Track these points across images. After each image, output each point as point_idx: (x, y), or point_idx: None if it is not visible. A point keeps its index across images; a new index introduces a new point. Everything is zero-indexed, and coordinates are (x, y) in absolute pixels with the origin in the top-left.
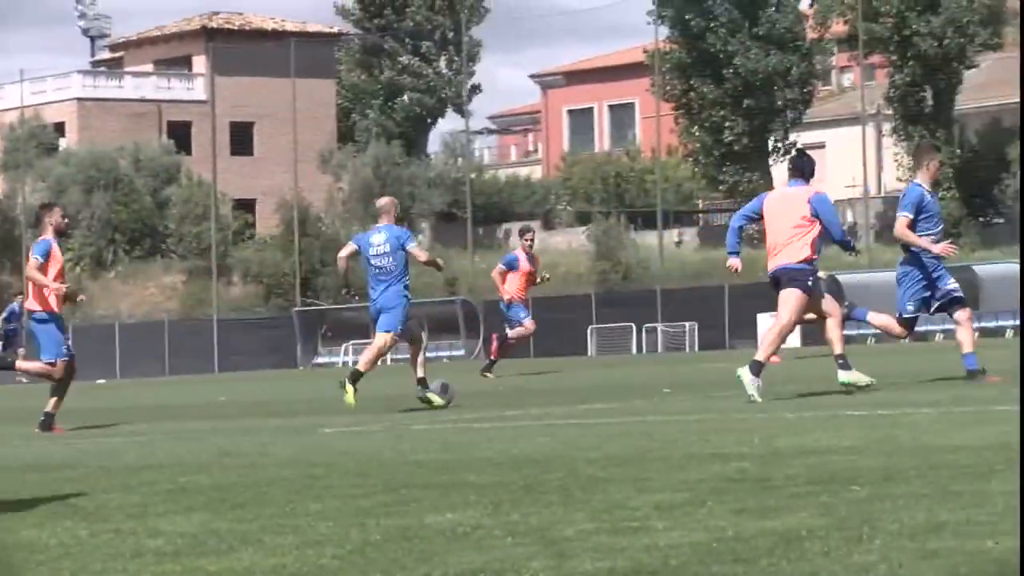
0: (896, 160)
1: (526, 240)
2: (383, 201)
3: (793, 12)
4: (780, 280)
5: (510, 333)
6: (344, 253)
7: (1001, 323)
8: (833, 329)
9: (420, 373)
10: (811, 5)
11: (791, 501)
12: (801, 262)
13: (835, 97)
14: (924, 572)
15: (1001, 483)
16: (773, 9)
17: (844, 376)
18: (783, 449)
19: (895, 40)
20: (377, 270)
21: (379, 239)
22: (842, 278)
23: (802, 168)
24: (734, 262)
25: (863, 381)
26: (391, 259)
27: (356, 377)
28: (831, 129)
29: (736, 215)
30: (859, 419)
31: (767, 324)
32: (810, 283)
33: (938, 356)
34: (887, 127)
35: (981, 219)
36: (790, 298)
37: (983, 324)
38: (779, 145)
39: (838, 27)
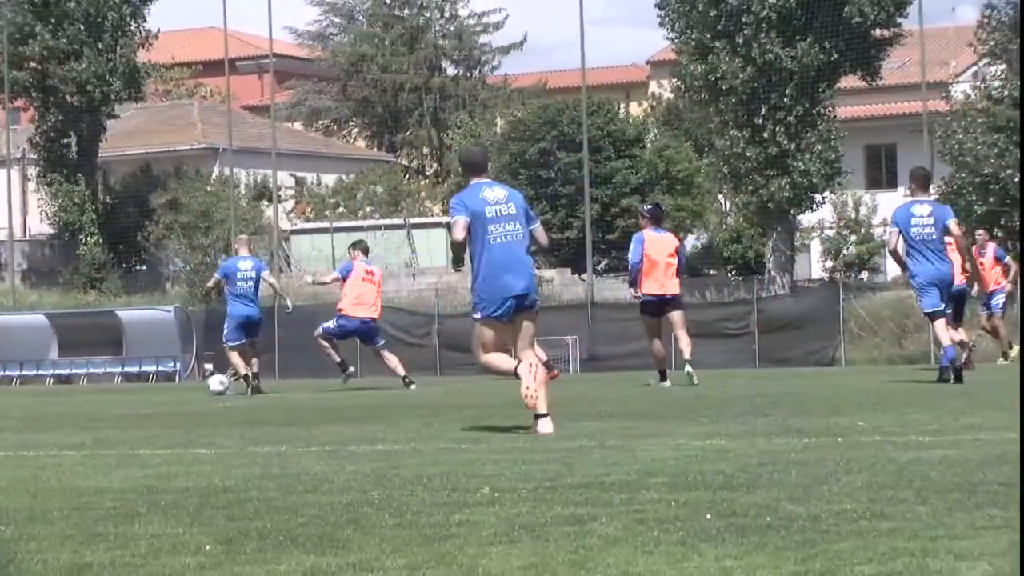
0: (39, 206)
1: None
2: None
3: None
4: (669, 303)
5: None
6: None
7: (144, 368)
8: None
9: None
10: None
11: None
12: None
13: None
14: None
15: (144, 526)
16: None
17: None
18: None
19: (39, 87)
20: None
21: None
22: None
23: (660, 217)
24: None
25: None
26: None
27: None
28: None
29: (633, 260)
30: (4, 459)
31: None
32: None
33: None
34: (32, 171)
35: (124, 265)
36: (682, 317)
37: (127, 370)
38: None
39: None
